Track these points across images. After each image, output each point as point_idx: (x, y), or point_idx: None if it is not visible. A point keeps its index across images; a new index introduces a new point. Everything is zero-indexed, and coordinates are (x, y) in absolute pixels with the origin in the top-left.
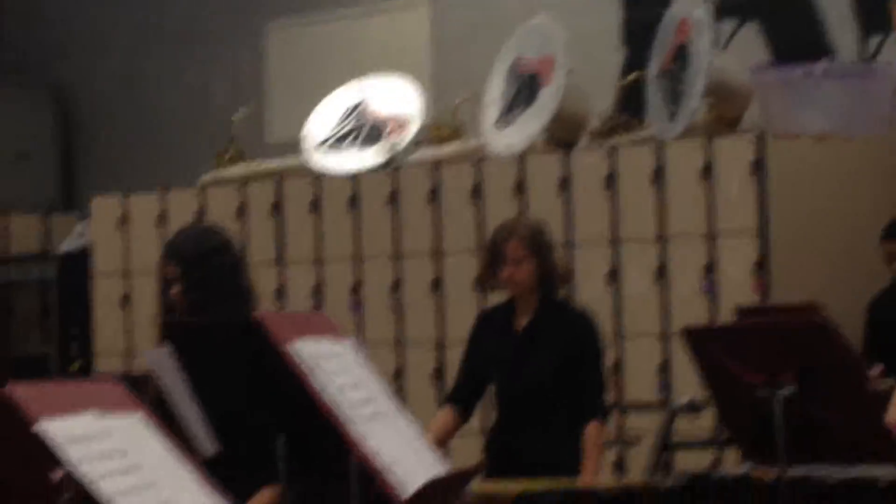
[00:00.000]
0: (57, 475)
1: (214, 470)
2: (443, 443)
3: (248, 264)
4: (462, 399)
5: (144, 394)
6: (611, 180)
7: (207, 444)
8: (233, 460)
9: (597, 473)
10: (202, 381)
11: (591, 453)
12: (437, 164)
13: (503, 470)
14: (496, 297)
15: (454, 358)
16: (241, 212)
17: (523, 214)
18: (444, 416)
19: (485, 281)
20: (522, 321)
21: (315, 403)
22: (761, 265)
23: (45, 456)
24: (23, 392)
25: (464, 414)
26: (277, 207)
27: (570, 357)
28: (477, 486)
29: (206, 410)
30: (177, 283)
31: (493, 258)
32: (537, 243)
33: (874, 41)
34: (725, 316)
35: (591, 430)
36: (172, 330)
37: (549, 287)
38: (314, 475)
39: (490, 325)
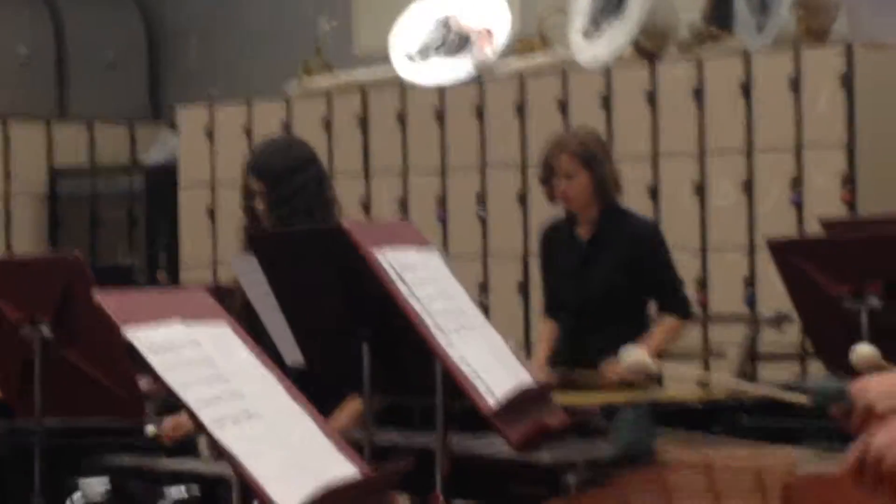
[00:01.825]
0: (144, 382)
1: (299, 380)
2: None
3: (330, 177)
4: (555, 312)
5: (230, 304)
6: (698, 92)
7: (292, 353)
8: (317, 371)
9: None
10: (287, 291)
11: (655, 335)
12: (523, 76)
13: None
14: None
15: (539, 269)
16: (328, 123)
17: (574, 127)
18: (548, 327)
19: (548, 197)
20: (585, 231)
21: (401, 313)
22: (848, 178)
23: (133, 364)
24: (110, 300)
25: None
26: (364, 119)
27: (636, 262)
28: (559, 396)
29: (291, 320)
30: (261, 197)
31: (546, 174)
32: (588, 155)
33: None
34: (812, 228)
35: (668, 319)
36: (258, 239)
37: (607, 197)
38: (400, 386)
39: (555, 238)
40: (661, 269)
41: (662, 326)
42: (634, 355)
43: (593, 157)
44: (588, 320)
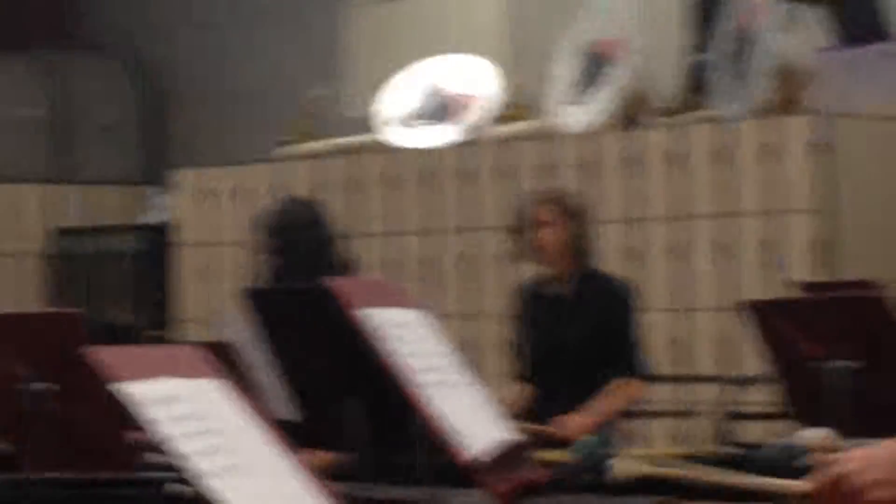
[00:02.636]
0: (136, 436)
1: (290, 432)
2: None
3: (337, 238)
4: (530, 373)
5: (223, 359)
6: (682, 159)
7: (283, 407)
8: (307, 422)
9: (594, 418)
10: (278, 346)
11: (605, 397)
12: (514, 142)
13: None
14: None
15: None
16: (323, 186)
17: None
18: (519, 393)
19: (514, 253)
20: (565, 289)
21: (388, 370)
22: (827, 243)
23: (125, 417)
24: (105, 355)
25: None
26: (358, 182)
27: (603, 322)
28: (539, 453)
29: (283, 375)
30: (269, 254)
31: (520, 224)
32: (570, 208)
33: None
34: (791, 292)
35: (624, 382)
36: (251, 295)
37: (582, 255)
38: (385, 440)
39: (532, 297)
40: (628, 332)
41: (631, 388)
42: None
43: (574, 210)
44: (561, 376)
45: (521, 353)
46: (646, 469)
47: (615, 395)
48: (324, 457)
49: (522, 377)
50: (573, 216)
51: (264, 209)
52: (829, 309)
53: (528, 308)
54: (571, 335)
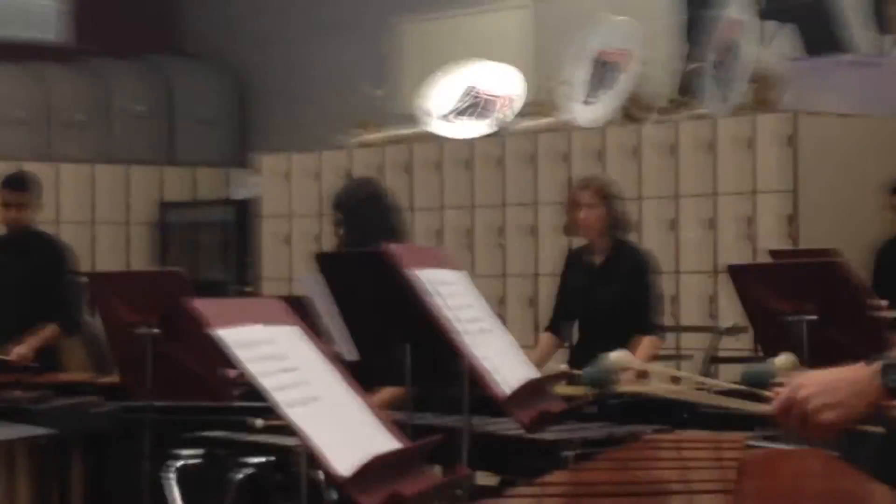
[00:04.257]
0: (231, 373)
1: (353, 372)
2: (545, 362)
3: (399, 210)
4: (558, 326)
5: (298, 310)
6: (673, 149)
7: (346, 349)
8: (369, 365)
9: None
10: (346, 301)
11: (640, 353)
12: (535, 134)
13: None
14: (579, 241)
15: (546, 288)
16: (380, 169)
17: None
18: (545, 340)
19: (568, 226)
20: (598, 259)
21: (434, 320)
22: (792, 218)
23: (223, 358)
24: (203, 305)
25: (560, 338)
26: (409, 166)
27: (631, 285)
28: (559, 388)
29: (349, 324)
30: (339, 225)
31: (571, 205)
32: (606, 193)
33: (887, 39)
34: (762, 258)
35: (644, 340)
36: (322, 259)
37: (617, 230)
38: (434, 378)
39: (573, 263)
40: (648, 297)
41: (645, 345)
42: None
43: (610, 195)
44: (593, 330)
45: (558, 308)
46: (642, 388)
47: (644, 350)
48: (381, 391)
49: (551, 328)
50: (608, 199)
51: (335, 187)
52: (793, 272)
53: (570, 272)
54: (601, 295)
